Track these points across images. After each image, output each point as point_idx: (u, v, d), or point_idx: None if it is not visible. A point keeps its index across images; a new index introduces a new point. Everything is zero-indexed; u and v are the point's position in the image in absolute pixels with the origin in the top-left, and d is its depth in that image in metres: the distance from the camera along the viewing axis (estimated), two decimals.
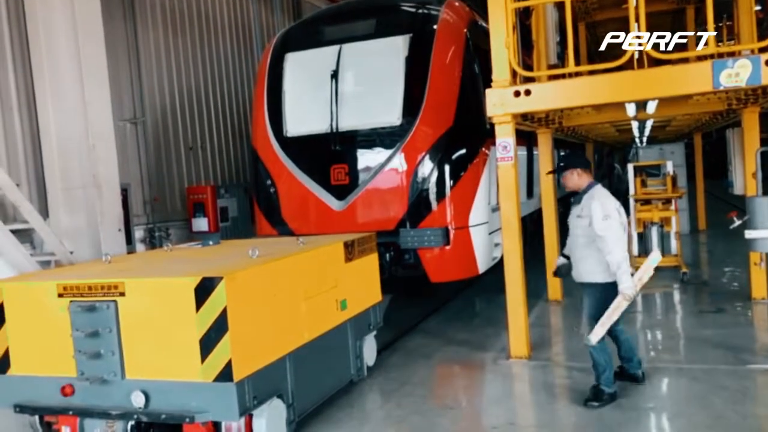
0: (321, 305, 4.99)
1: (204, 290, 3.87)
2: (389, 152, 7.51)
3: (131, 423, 4.26)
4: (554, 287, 8.54)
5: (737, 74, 4.99)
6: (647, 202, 9.23)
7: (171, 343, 4.00)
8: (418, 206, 7.47)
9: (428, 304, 9.12)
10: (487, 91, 5.82)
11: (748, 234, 5.85)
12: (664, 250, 10.08)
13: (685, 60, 5.56)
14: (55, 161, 10.32)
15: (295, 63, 8.12)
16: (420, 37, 7.68)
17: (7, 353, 4.47)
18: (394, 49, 7.66)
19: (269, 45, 8.60)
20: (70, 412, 4.29)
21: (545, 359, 6.14)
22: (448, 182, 7.50)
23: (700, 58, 5.43)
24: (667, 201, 9.07)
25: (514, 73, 5.79)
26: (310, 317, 4.82)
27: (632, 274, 4.71)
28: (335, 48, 7.85)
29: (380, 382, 5.81)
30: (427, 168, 7.46)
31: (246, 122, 15.54)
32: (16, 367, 4.45)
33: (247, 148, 15.52)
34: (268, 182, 8.01)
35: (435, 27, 7.73)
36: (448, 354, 6.77)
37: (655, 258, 4.90)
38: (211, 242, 6.16)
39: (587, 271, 4.95)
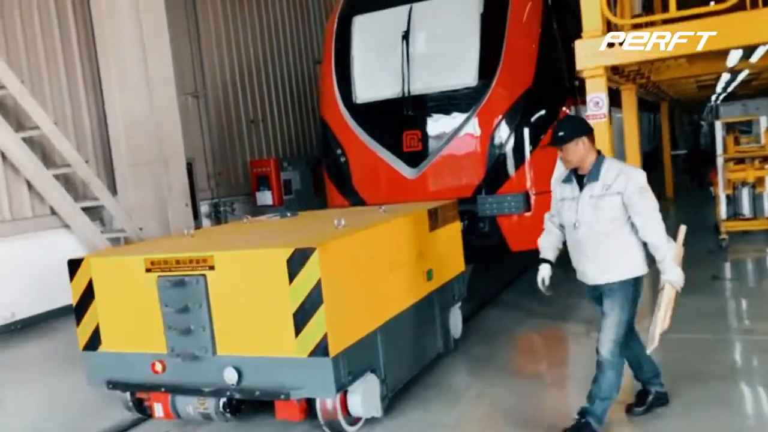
0: (408, 276, 4.82)
1: (297, 262, 3.73)
2: (465, 116, 7.24)
3: (223, 400, 4.21)
4: None
5: None
6: (740, 161, 8.65)
7: (263, 318, 3.89)
8: (497, 171, 7.20)
9: (501, 276, 8.84)
10: (577, 42, 5.45)
11: None
12: (756, 212, 9.51)
13: None
14: (121, 138, 10.46)
15: (364, 26, 7.88)
16: None
17: (97, 329, 4.46)
18: (469, 6, 7.34)
19: (336, 8, 8.36)
20: (162, 389, 4.26)
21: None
22: (528, 145, 7.18)
23: None
24: (765, 159, 8.49)
25: (606, 24, 5.38)
26: (398, 288, 4.65)
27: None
28: (405, 8, 7.58)
29: (466, 359, 5.60)
30: (505, 131, 7.16)
31: (306, 95, 15.45)
32: (107, 343, 4.45)
33: (309, 121, 15.46)
34: (338, 151, 7.85)
35: None
36: (532, 327, 6.49)
37: (683, 235, 4.02)
38: (288, 214, 6.04)
39: (616, 266, 3.79)
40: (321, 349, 3.74)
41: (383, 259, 4.48)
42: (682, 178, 17.30)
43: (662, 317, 3.76)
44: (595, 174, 3.77)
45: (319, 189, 14.02)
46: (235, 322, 3.99)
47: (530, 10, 7.34)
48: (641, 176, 3.76)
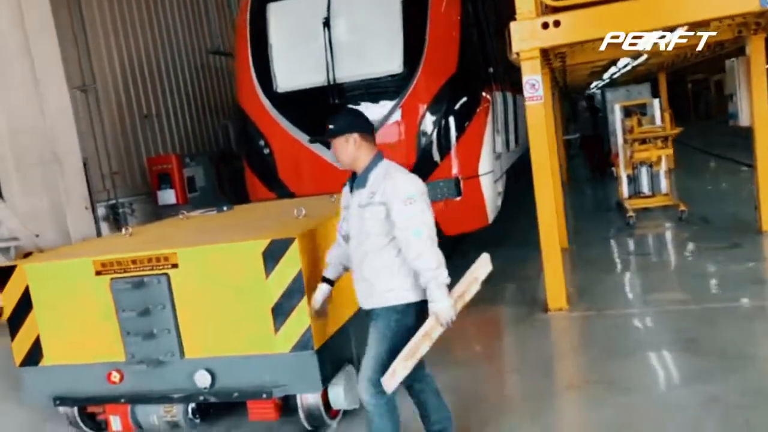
0: None
1: (273, 253, 3.59)
2: (392, 103, 7.24)
3: (192, 405, 3.99)
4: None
5: None
6: (644, 141, 9.28)
7: (236, 315, 3.72)
8: (427, 158, 7.27)
9: None
10: (512, 24, 5.56)
11: None
12: (654, 189, 10.26)
13: None
14: (4, 138, 9.65)
15: (280, 13, 7.67)
16: None
17: (37, 343, 4.08)
18: None
19: None
20: (122, 400, 3.96)
21: (584, 309, 5.98)
22: (456, 130, 7.32)
23: None
24: (664, 139, 9.16)
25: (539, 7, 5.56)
26: None
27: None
28: None
29: None
30: (433, 117, 7.24)
31: (202, 87, 14.89)
32: (50, 356, 4.07)
33: (207, 114, 14.95)
34: (261, 143, 7.62)
35: None
36: (480, 313, 6.56)
37: (484, 267, 3.41)
38: (225, 208, 5.80)
39: (385, 290, 3.23)
40: (304, 343, 3.63)
41: None
42: (577, 161, 18.35)
43: (407, 354, 3.13)
44: (363, 179, 3.27)
45: (224, 185, 13.61)
46: (204, 322, 3.79)
47: None
48: (410, 184, 3.17)
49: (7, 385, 5.92)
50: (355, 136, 3.33)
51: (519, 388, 4.66)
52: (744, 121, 7.55)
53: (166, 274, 3.77)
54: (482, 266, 3.38)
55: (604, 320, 5.69)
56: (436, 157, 7.30)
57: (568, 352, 5.28)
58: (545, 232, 5.90)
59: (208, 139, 14.81)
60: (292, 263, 3.58)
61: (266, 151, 7.58)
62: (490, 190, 7.73)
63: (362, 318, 4.36)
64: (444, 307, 3.09)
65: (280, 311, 3.63)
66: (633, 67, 13.16)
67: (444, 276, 3.11)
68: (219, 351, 3.79)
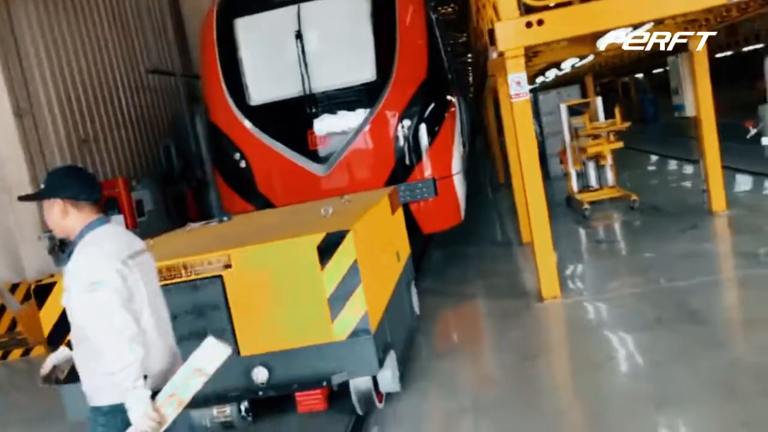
0: (389, 257, 5.12)
1: (329, 246, 3.87)
2: (368, 110, 7.62)
3: (245, 404, 4.18)
4: (525, 229, 8.91)
5: None
6: (596, 137, 10.04)
7: (290, 309, 3.97)
8: (404, 161, 7.67)
9: None
10: (497, 24, 5.97)
11: (765, 141, 6.60)
12: (602, 182, 11.05)
13: None
14: None
15: (248, 28, 7.92)
16: None
17: None
18: (358, 5, 7.74)
19: (210, 15, 8.29)
20: None
21: (576, 296, 6.35)
22: (429, 134, 7.76)
23: None
24: (612, 134, 9.95)
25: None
26: (388, 269, 4.94)
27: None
28: (292, 9, 7.76)
29: (429, 340, 5.99)
30: (408, 122, 7.66)
31: (142, 107, 14.73)
32: None
33: (148, 134, 14.79)
34: (236, 156, 7.80)
35: None
36: (474, 308, 6.98)
37: (211, 355, 2.86)
38: (225, 218, 5.98)
39: (92, 387, 2.81)
40: (362, 329, 3.93)
41: (378, 242, 4.74)
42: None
43: None
44: (69, 254, 2.78)
45: (170, 207, 13.50)
46: (259, 319, 4.01)
47: (414, 8, 7.93)
48: (93, 267, 2.62)
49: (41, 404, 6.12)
50: (59, 202, 2.73)
51: (552, 368, 5.05)
52: (690, 111, 8.36)
53: (220, 275, 3.97)
54: (208, 354, 2.81)
55: (602, 303, 6.07)
56: (413, 159, 7.71)
57: (584, 332, 5.54)
58: (537, 225, 6.23)
59: (151, 161, 14.66)
60: (347, 254, 3.87)
61: (243, 164, 7.77)
62: (462, 189, 8.25)
63: (391, 305, 4.72)
64: (143, 415, 2.57)
65: (337, 301, 3.91)
66: (573, 69, 14.05)
67: (133, 376, 2.56)
68: (274, 346, 4.02)
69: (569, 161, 11.06)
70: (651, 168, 15.18)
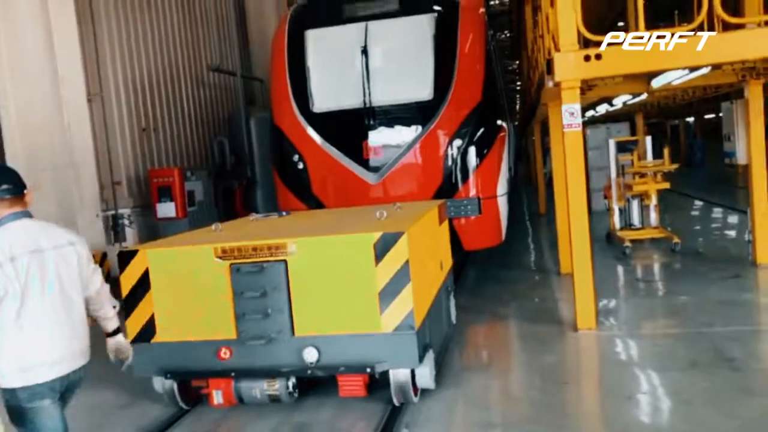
0: (434, 264, 5.57)
1: (384, 245, 4.35)
2: (422, 126, 8.14)
3: (293, 380, 4.66)
4: (566, 259, 8.98)
5: None
6: (642, 175, 10.37)
7: (344, 298, 4.44)
8: (452, 178, 8.16)
9: None
10: (556, 55, 6.30)
11: None
12: (644, 222, 11.32)
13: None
14: (17, 141, 10.00)
15: (318, 40, 8.55)
16: (446, 15, 8.39)
17: (151, 321, 4.71)
18: (422, 26, 8.32)
19: (283, 24, 8.94)
20: (231, 374, 4.61)
21: (610, 330, 6.52)
22: (479, 155, 8.23)
23: None
24: (659, 174, 10.26)
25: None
26: (433, 275, 5.39)
27: None
28: (361, 25, 8.38)
29: (462, 352, 6.33)
30: (459, 141, 8.15)
31: (200, 103, 15.52)
32: (162, 333, 4.70)
33: (205, 130, 15.55)
34: (295, 158, 8.38)
35: (458, 6, 8.44)
36: (507, 329, 7.21)
37: None
38: (284, 213, 6.53)
39: None
40: (407, 324, 4.38)
41: (426, 248, 5.20)
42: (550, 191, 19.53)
43: None
44: None
45: (219, 200, 14.18)
46: (314, 304, 4.50)
47: (476, 32, 8.47)
48: None
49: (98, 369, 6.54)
50: None
51: (582, 395, 5.34)
52: (741, 159, 8.59)
53: (284, 260, 4.47)
54: None
55: (637, 340, 6.21)
56: (461, 177, 8.19)
57: (616, 366, 5.70)
58: (578, 255, 6.42)
59: (205, 155, 15.39)
60: (400, 254, 4.34)
61: (300, 166, 8.34)
62: (505, 210, 8.69)
63: (432, 309, 5.16)
64: None
65: (387, 296, 4.37)
66: (624, 106, 14.38)
67: None
68: (326, 330, 4.49)
69: (614, 197, 11.38)
70: (694, 213, 15.32)
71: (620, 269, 9.60)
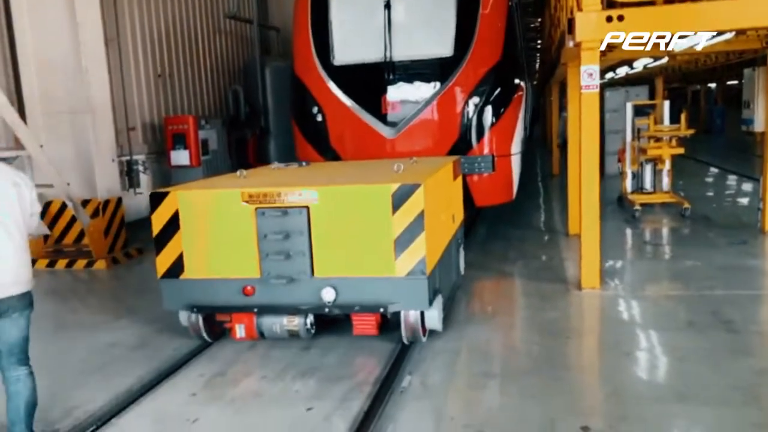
0: (447, 216, 6.00)
1: (402, 195, 4.77)
2: (441, 83, 8.49)
3: (311, 318, 5.14)
4: (575, 220, 9.40)
5: None
6: (658, 139, 10.69)
7: (362, 244, 4.89)
8: (468, 135, 8.54)
9: None
10: (578, 15, 6.33)
11: None
12: (656, 186, 11.68)
13: None
14: (33, 82, 10.32)
15: None
16: None
17: (180, 259, 5.18)
18: None
19: None
20: (255, 310, 5.10)
21: (614, 291, 6.86)
22: (495, 113, 8.59)
23: None
24: (676, 139, 10.59)
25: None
26: (445, 226, 5.83)
27: None
28: None
29: (468, 305, 6.71)
30: (477, 99, 8.50)
31: (216, 51, 15.81)
32: (190, 271, 5.18)
33: (219, 79, 15.87)
34: (315, 110, 8.77)
35: None
36: (513, 285, 7.62)
37: None
38: (305, 164, 6.96)
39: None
40: (419, 270, 4.84)
41: (440, 200, 5.63)
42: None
43: None
44: None
45: (232, 150, 14.58)
46: (333, 248, 4.96)
47: None
48: None
49: (122, 306, 7.17)
50: None
51: (582, 350, 5.65)
52: (759, 126, 8.87)
53: (307, 206, 4.91)
54: None
55: (639, 301, 6.55)
56: (476, 135, 8.58)
57: (617, 324, 6.06)
58: (587, 216, 6.76)
59: (220, 104, 15.74)
60: (416, 204, 4.76)
61: (319, 118, 8.74)
62: (518, 169, 9.11)
63: (443, 258, 5.60)
64: None
65: (402, 243, 4.82)
66: (644, 69, 14.58)
67: None
68: (343, 272, 4.96)
69: (627, 161, 11.72)
70: (708, 179, 15.67)
71: (628, 232, 10.02)
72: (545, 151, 22.64)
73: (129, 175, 12.65)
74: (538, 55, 25.60)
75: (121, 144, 12.62)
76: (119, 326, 6.39)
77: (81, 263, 9.71)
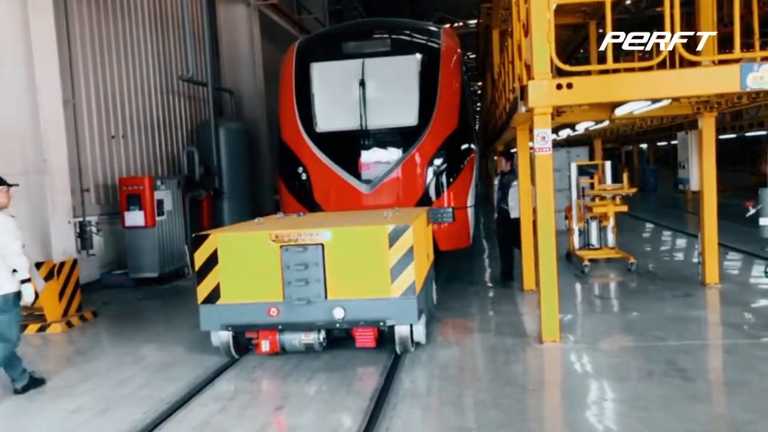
0: (425, 254, 8.66)
1: (396, 234, 7.40)
2: (408, 148, 11.54)
3: (323, 334, 7.65)
4: (529, 277, 11.17)
5: (761, 77, 7.20)
6: (602, 198, 13.46)
7: (364, 272, 7.46)
8: (431, 190, 11.54)
9: None
10: (530, 83, 7.62)
11: (762, 221, 9.21)
12: (602, 243, 14.41)
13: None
14: None
15: (322, 71, 12.08)
16: (429, 56, 11.99)
17: (218, 287, 7.65)
18: (410, 65, 11.87)
19: (291, 55, 12.52)
20: (279, 327, 7.58)
21: (573, 343, 8.08)
22: (453, 172, 11.61)
23: (726, 61, 7.66)
24: (616, 197, 13.46)
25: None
26: (424, 261, 8.49)
27: None
28: (358, 61, 11.89)
29: (433, 363, 7.75)
30: (438, 161, 11.55)
31: (169, 112, 18.24)
32: (226, 297, 7.64)
33: (173, 139, 18.31)
34: (299, 170, 11.76)
35: (440, 48, 12.09)
36: (475, 340, 8.71)
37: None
38: (301, 214, 9.71)
39: None
40: (410, 291, 7.45)
41: (421, 240, 8.30)
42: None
43: None
44: None
45: (186, 210, 16.59)
46: (342, 275, 7.53)
47: (453, 70, 12.10)
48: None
49: (157, 330, 9.44)
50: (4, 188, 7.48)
51: (545, 401, 6.71)
52: (695, 186, 11.23)
53: (322, 244, 7.49)
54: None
55: (597, 353, 7.78)
56: (438, 190, 11.63)
57: (579, 376, 7.15)
58: (545, 271, 7.99)
59: (174, 165, 18.03)
60: (407, 241, 7.40)
61: (304, 177, 11.67)
62: (473, 219, 12.19)
63: (424, 286, 8.25)
64: None
65: (396, 270, 7.42)
66: (585, 131, 17.89)
67: None
68: (350, 294, 7.50)
69: (574, 218, 14.43)
70: (646, 235, 18.86)
71: (579, 287, 11.87)
72: (489, 209, 24.73)
73: (82, 236, 13.95)
74: (478, 117, 29.00)
75: (75, 205, 13.91)
76: (80, 392, 7.41)
77: (33, 327, 10.57)
